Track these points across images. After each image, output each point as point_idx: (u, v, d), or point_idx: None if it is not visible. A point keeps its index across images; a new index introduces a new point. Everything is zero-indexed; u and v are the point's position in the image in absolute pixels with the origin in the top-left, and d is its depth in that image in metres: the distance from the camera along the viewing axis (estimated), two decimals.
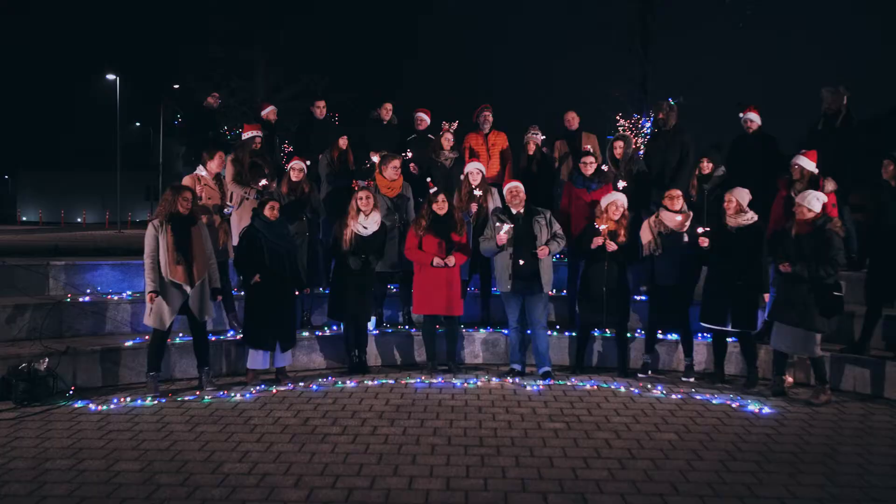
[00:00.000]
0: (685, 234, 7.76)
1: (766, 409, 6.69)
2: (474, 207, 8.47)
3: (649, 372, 8.04)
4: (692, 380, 7.82)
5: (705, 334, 8.20)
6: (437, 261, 7.79)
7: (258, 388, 7.33)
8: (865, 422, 6.39)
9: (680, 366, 8.26)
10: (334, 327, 8.62)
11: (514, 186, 7.89)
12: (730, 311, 7.47)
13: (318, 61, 18.71)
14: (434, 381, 7.71)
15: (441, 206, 7.92)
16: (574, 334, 8.54)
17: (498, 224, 7.77)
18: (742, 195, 7.63)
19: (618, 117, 16.75)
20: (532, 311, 7.83)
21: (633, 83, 18.08)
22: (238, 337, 8.04)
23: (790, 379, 7.57)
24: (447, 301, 7.86)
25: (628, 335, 8.23)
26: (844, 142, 8.65)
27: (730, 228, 7.53)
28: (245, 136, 9.00)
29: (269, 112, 10.27)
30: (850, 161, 8.62)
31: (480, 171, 8.69)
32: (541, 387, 7.49)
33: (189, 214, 7.14)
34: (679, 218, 7.81)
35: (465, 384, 7.58)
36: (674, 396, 7.16)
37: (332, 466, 5.20)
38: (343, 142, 9.30)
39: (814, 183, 8.00)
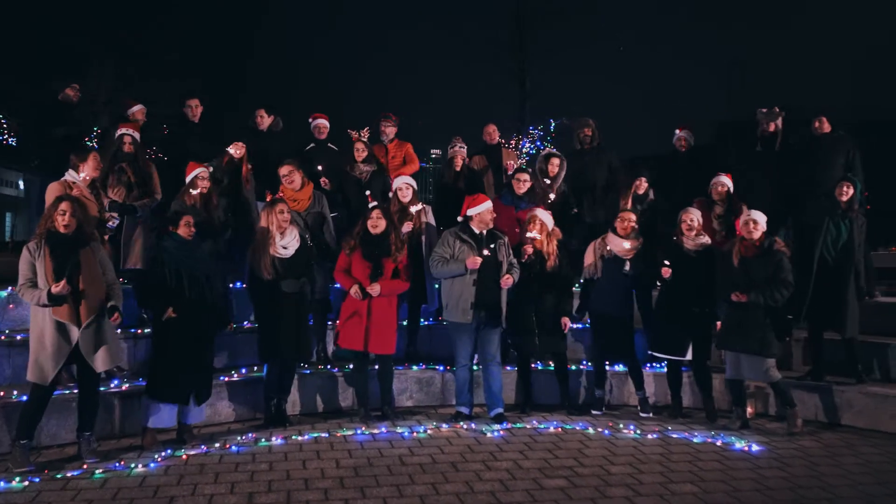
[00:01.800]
0: (627, 262, 7.16)
1: (755, 447, 6.14)
2: (408, 226, 7.38)
3: (603, 408, 7.31)
4: (650, 415, 7.19)
5: (653, 364, 7.64)
6: (353, 291, 6.63)
7: (162, 453, 5.73)
8: (860, 457, 5.97)
9: (630, 399, 7.63)
10: (243, 370, 7.14)
11: (488, 206, 6.91)
12: (688, 339, 6.93)
13: (166, 62, 16.58)
14: (375, 430, 6.49)
15: (375, 224, 6.78)
16: (515, 369, 7.67)
17: (457, 241, 6.79)
18: (699, 215, 7.18)
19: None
20: (487, 345, 6.87)
21: (511, 104, 17.82)
22: (124, 388, 6.37)
23: (751, 409, 7.14)
24: (366, 335, 6.65)
25: (570, 368, 7.50)
26: (786, 164, 8.48)
27: (687, 251, 7.01)
28: (116, 133, 7.26)
29: (136, 111, 8.52)
30: (790, 183, 8.43)
31: (410, 185, 7.62)
32: (501, 432, 6.52)
33: (75, 233, 5.49)
34: (627, 244, 7.17)
35: (415, 434, 6.45)
36: (650, 436, 6.46)
37: None
38: (237, 149, 7.80)
39: (732, 206, 7.76)
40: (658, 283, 7.21)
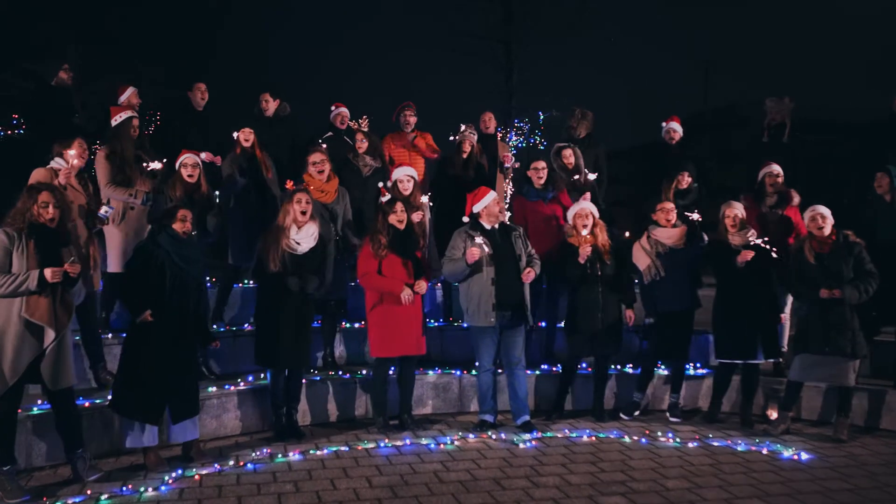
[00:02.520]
0: (704, 236, 6.84)
1: (804, 455, 5.82)
2: (418, 216, 6.88)
3: (635, 413, 6.92)
4: (680, 420, 6.82)
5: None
6: (407, 295, 6.09)
7: (172, 474, 5.15)
8: None
9: (657, 403, 7.27)
10: (250, 378, 6.56)
11: (498, 198, 6.46)
12: (757, 340, 6.54)
13: (135, 44, 15.62)
14: (399, 443, 5.99)
15: (401, 218, 6.27)
16: (535, 373, 7.22)
17: (467, 239, 6.32)
18: (741, 209, 6.83)
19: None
20: (512, 347, 6.41)
21: (497, 96, 17.28)
22: None
23: (774, 414, 6.79)
24: (417, 338, 6.21)
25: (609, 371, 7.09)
26: (794, 155, 8.19)
27: (735, 247, 6.65)
28: (116, 120, 6.57)
29: (130, 95, 7.81)
30: (800, 175, 8.15)
31: (412, 177, 7.10)
32: (533, 442, 6.08)
33: (58, 228, 4.89)
34: (676, 232, 6.80)
35: (441, 445, 5.97)
36: (691, 445, 6.09)
37: None
38: (245, 136, 7.20)
39: (784, 196, 7.43)
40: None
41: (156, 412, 5.28)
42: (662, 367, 7.29)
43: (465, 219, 6.52)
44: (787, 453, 5.86)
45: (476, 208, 6.46)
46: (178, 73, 14.63)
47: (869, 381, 6.95)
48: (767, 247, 6.51)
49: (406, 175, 7.04)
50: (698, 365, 7.44)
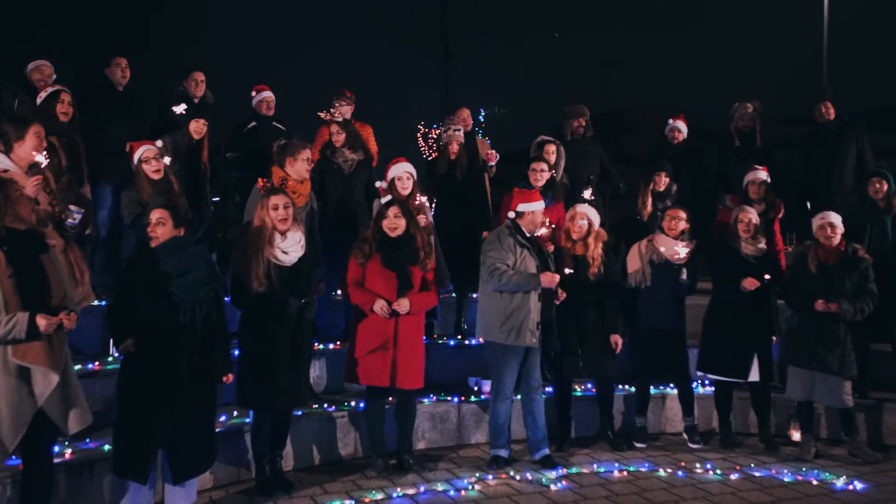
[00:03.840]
0: (683, 270, 6.15)
1: (858, 484, 5.30)
2: (422, 221, 5.95)
3: (647, 440, 6.26)
4: (701, 445, 6.22)
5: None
6: (378, 306, 5.17)
7: None
8: None
9: (668, 426, 6.67)
10: (222, 417, 5.38)
11: (542, 207, 5.64)
12: (751, 358, 6.02)
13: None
14: (410, 490, 5.03)
15: (394, 224, 5.31)
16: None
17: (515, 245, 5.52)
18: (755, 214, 6.29)
19: (420, 126, 14.64)
20: (533, 370, 5.63)
21: (435, 90, 16.40)
22: (68, 455, 4.49)
23: (797, 435, 6.30)
24: (392, 366, 5.20)
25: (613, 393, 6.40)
26: (769, 160, 7.81)
27: (745, 256, 6.12)
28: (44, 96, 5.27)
29: (40, 65, 6.39)
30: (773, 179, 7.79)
31: (412, 175, 6.19)
32: (563, 483, 5.27)
33: (32, 230, 3.71)
34: (681, 248, 6.13)
35: (462, 492, 5.06)
36: (734, 477, 5.46)
37: None
38: (197, 126, 6.04)
39: (772, 204, 7.01)
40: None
41: (140, 468, 4.14)
42: (670, 387, 6.70)
43: (511, 214, 5.67)
44: (840, 483, 5.33)
45: (521, 208, 5.62)
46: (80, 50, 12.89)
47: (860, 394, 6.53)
48: (768, 278, 5.99)
49: (406, 172, 6.09)
50: (706, 382, 6.86)
